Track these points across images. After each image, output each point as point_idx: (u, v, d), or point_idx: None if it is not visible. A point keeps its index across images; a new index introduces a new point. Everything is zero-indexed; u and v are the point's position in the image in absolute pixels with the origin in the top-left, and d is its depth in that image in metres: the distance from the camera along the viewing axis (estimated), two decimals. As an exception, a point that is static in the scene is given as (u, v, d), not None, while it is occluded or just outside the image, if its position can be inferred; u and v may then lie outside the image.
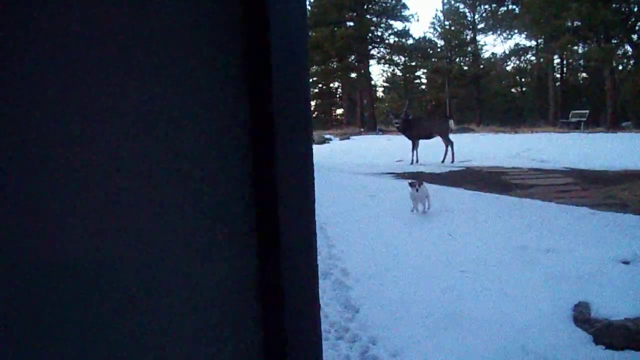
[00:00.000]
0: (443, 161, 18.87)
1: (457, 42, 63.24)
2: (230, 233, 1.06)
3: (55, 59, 0.86)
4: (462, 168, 17.28)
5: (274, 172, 1.07)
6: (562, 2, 35.30)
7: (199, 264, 1.03)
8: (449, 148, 19.13)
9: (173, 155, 0.99)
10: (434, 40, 63.34)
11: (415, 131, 19.50)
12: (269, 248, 1.08)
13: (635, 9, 40.03)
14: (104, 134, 0.90)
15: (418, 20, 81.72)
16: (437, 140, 19.48)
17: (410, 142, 19.52)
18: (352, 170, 16.98)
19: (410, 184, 9.51)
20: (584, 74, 61.62)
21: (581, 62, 56.10)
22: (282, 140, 1.08)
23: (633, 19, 39.56)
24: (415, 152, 19.23)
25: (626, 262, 6.64)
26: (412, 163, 18.77)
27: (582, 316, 5.02)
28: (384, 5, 52.82)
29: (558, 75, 59.23)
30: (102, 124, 0.90)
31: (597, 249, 7.23)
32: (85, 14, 0.89)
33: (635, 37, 41.75)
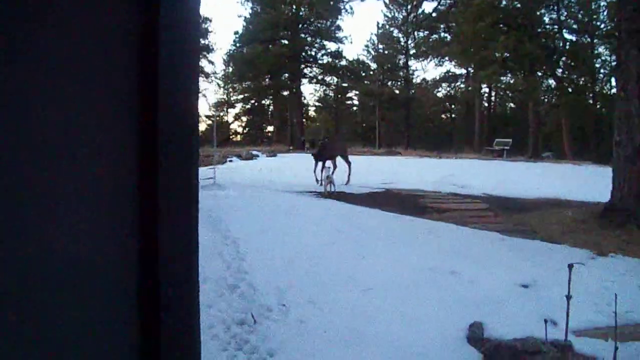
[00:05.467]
0: (347, 182, 18.61)
1: (389, 65, 64.04)
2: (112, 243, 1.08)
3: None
4: (382, 190, 17.46)
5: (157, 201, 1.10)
6: (490, 34, 36.15)
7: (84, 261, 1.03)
8: (349, 168, 19.06)
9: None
10: (367, 63, 63.98)
11: (327, 153, 18.84)
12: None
13: (560, 45, 41.27)
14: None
15: (352, 42, 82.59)
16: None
17: (319, 163, 18.71)
18: (275, 187, 16.95)
19: None
20: (511, 104, 63.20)
21: (508, 93, 57.70)
22: (166, 173, 1.11)
23: (557, 55, 40.72)
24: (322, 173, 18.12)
25: (525, 286, 6.87)
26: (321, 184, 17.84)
27: (475, 336, 5.18)
28: (318, 25, 53.16)
29: (486, 104, 60.69)
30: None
31: (501, 273, 7.45)
32: None
33: (559, 71, 42.99)
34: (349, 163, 19.17)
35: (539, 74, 42.56)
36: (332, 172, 16.76)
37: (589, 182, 18.96)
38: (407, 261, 7.83)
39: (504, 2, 38.22)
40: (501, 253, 8.94)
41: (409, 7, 53.53)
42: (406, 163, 28.96)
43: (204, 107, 56.54)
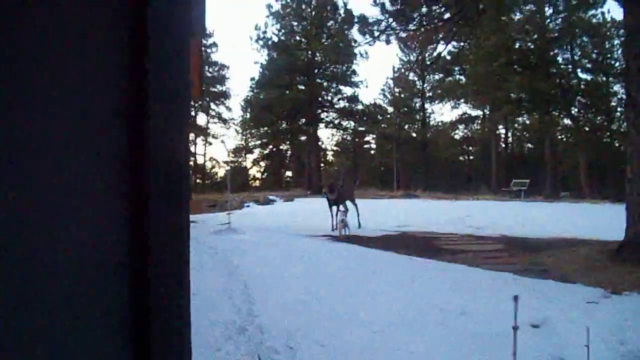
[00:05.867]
0: (359, 225, 18.66)
1: (406, 109, 64.36)
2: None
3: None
4: (397, 233, 17.50)
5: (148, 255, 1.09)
6: (503, 74, 36.31)
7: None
8: (357, 210, 19.14)
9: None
10: (384, 107, 64.48)
11: (341, 197, 18.43)
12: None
13: (575, 84, 41.33)
14: None
15: (367, 86, 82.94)
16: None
17: (333, 207, 18.48)
18: (291, 231, 17.02)
19: None
20: (529, 145, 63.18)
21: (525, 133, 57.83)
22: (156, 216, 1.11)
23: (572, 94, 40.75)
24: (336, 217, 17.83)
25: (535, 326, 6.84)
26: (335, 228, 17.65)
27: (480, 376, 5.17)
28: (334, 70, 53.70)
29: (504, 145, 60.83)
30: None
31: (512, 312, 7.42)
32: None
33: (575, 110, 43.05)
34: (355, 205, 19.12)
35: (555, 113, 42.62)
36: (345, 215, 16.80)
37: (607, 220, 18.86)
38: (418, 302, 7.83)
39: (517, 44, 38.38)
40: (513, 293, 8.88)
41: (422, 50, 53.92)
42: (423, 205, 29.02)
43: (223, 153, 56.95)
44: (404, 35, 18.62)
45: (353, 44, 40.45)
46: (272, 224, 19.68)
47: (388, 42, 19.03)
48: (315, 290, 8.45)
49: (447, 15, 16.43)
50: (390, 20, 17.16)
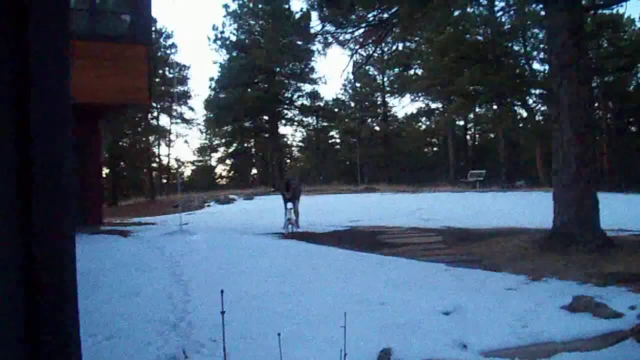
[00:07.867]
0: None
1: (367, 103, 64.67)
2: None
3: None
4: (347, 228, 17.95)
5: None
6: (456, 68, 36.67)
7: None
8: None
9: None
10: (346, 102, 64.80)
11: (293, 195, 18.25)
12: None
13: (528, 75, 41.83)
14: None
15: (326, 82, 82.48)
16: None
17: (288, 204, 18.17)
18: (243, 230, 17.14)
19: None
20: (491, 135, 63.82)
21: (483, 124, 58.53)
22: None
23: (525, 86, 41.17)
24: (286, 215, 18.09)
25: (446, 313, 7.39)
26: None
27: (383, 360, 5.71)
28: (293, 68, 53.85)
29: (465, 136, 61.62)
30: None
31: (429, 301, 7.97)
32: None
33: (530, 101, 43.75)
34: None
35: (513, 103, 43.19)
36: (296, 215, 17.19)
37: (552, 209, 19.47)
38: (344, 294, 8.31)
39: (467, 36, 38.76)
40: (438, 282, 9.46)
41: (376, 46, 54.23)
42: (380, 199, 29.46)
43: (188, 153, 56.75)
44: (342, 38, 18.71)
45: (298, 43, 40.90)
46: (228, 223, 19.97)
47: (327, 45, 19.42)
48: (251, 287, 8.89)
49: (385, 15, 16.68)
50: (325, 24, 17.32)
